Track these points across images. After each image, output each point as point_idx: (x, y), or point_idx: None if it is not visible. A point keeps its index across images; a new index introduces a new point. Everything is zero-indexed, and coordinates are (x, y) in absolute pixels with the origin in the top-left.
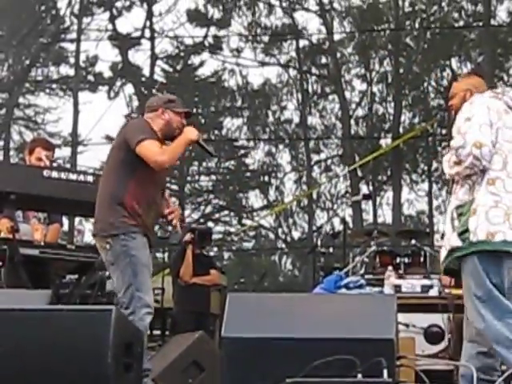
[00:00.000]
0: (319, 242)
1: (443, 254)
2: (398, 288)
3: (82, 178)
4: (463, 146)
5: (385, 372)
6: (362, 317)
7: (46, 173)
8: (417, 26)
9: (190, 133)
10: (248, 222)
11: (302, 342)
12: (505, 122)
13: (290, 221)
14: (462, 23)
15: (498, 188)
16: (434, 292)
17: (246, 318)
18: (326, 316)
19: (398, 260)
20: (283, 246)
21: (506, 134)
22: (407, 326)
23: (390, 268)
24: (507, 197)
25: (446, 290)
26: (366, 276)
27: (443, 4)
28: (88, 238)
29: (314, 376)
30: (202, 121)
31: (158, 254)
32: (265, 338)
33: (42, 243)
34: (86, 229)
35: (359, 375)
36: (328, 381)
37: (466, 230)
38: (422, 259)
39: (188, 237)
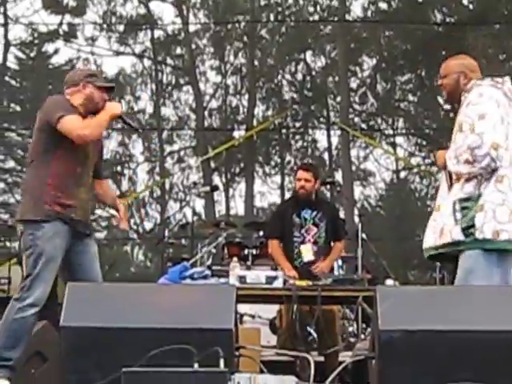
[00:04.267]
0: (167, 233)
1: (431, 239)
2: (242, 279)
3: None
4: (480, 146)
5: (221, 362)
6: (200, 307)
7: None
8: (272, 18)
9: (114, 107)
10: (99, 212)
11: (141, 331)
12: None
13: (143, 211)
14: (316, 17)
15: (505, 186)
16: (278, 283)
17: (85, 307)
18: (165, 306)
19: (246, 251)
20: (135, 236)
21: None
22: (253, 316)
23: (234, 259)
24: None
25: (291, 281)
26: (214, 267)
27: None
28: None
29: (151, 366)
30: None
31: (8, 243)
32: (103, 327)
33: None
34: None
35: (196, 365)
36: (163, 370)
37: (472, 226)
38: (270, 251)
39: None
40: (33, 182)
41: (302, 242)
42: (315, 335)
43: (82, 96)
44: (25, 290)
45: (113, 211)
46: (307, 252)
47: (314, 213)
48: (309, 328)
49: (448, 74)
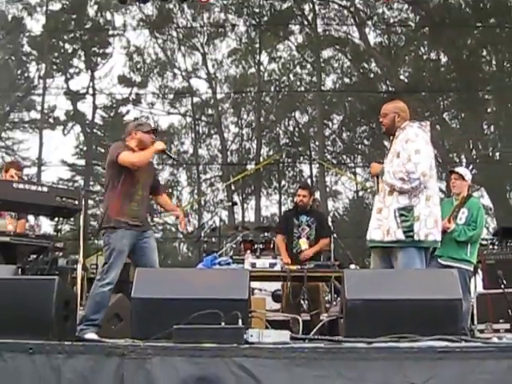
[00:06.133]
0: (203, 234)
1: (378, 234)
2: (253, 265)
3: (39, 188)
4: (414, 172)
5: (240, 321)
6: (225, 283)
7: (15, 185)
8: (272, 89)
9: (158, 144)
10: (156, 220)
11: (185, 300)
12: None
13: (186, 219)
14: (302, 88)
15: (431, 203)
16: (277, 267)
17: (148, 284)
18: (202, 283)
19: (255, 246)
20: (181, 236)
21: (433, 163)
22: (260, 290)
23: (248, 252)
24: (435, 208)
25: (286, 266)
26: (234, 257)
27: (290, 75)
28: (46, 229)
29: (193, 324)
30: None
31: (96, 241)
32: (161, 298)
33: (12, 233)
34: (43, 223)
35: (222, 323)
36: (201, 326)
37: (411, 230)
38: (272, 246)
39: None
40: (107, 201)
41: (299, 237)
42: (305, 303)
43: (135, 141)
44: (103, 273)
45: (169, 218)
46: (303, 244)
47: (308, 217)
48: (302, 298)
49: (386, 114)
